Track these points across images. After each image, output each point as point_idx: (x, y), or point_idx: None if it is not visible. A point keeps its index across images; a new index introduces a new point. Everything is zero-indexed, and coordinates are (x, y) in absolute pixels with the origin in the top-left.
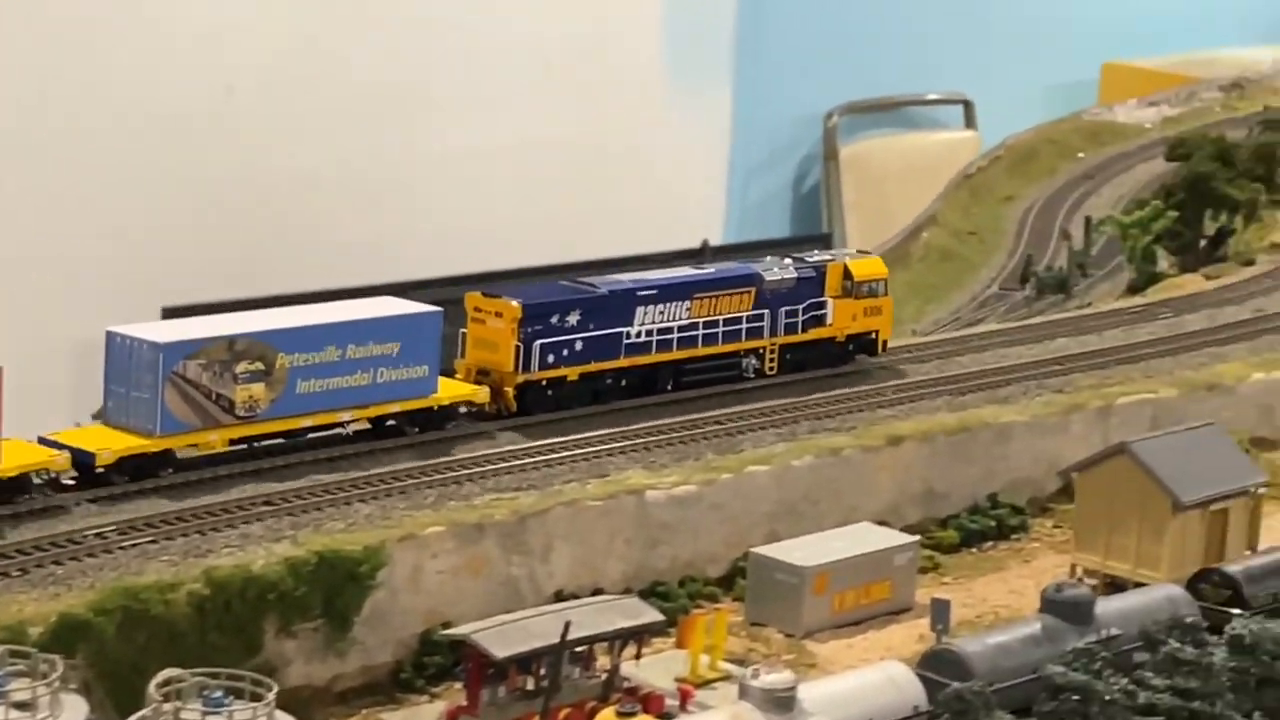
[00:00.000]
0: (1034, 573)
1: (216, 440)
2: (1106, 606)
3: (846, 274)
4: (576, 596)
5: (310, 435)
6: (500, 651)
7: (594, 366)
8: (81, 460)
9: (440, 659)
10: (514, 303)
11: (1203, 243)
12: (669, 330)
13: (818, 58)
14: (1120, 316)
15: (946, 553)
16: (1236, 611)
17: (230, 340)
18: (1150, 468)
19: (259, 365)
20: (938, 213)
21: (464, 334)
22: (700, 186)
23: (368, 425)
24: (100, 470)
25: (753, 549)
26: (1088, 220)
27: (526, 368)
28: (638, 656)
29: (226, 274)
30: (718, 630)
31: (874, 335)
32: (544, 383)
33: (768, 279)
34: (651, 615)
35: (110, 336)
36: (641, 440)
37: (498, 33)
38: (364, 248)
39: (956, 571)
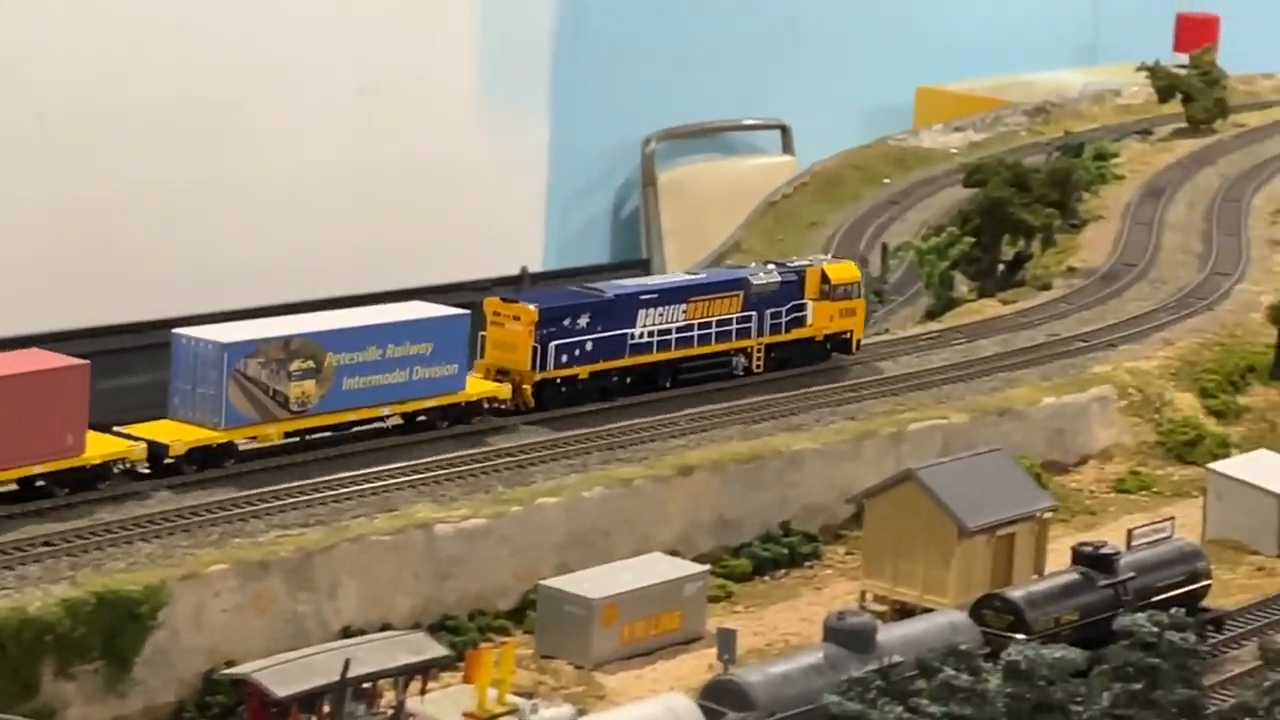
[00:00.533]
0: (825, 600)
1: (274, 433)
2: (889, 634)
3: (824, 278)
4: (365, 632)
5: (354, 429)
6: (281, 690)
7: (602, 365)
8: (155, 451)
9: (224, 698)
10: (531, 307)
11: (1000, 268)
12: (668, 331)
13: (635, 84)
14: (915, 342)
15: (739, 581)
16: (1019, 637)
17: (286, 340)
18: (936, 494)
19: (310, 363)
20: (741, 240)
21: (483, 336)
22: (518, 214)
23: (400, 420)
24: (171, 461)
25: (542, 581)
26: (884, 247)
27: (543, 366)
28: (423, 692)
29: (43, 301)
30: (505, 664)
31: (849, 335)
32: (558, 381)
33: (754, 283)
34: (437, 650)
35: (176, 338)
36: (431, 474)
37: (312, 60)
38: (180, 275)
39: (748, 600)
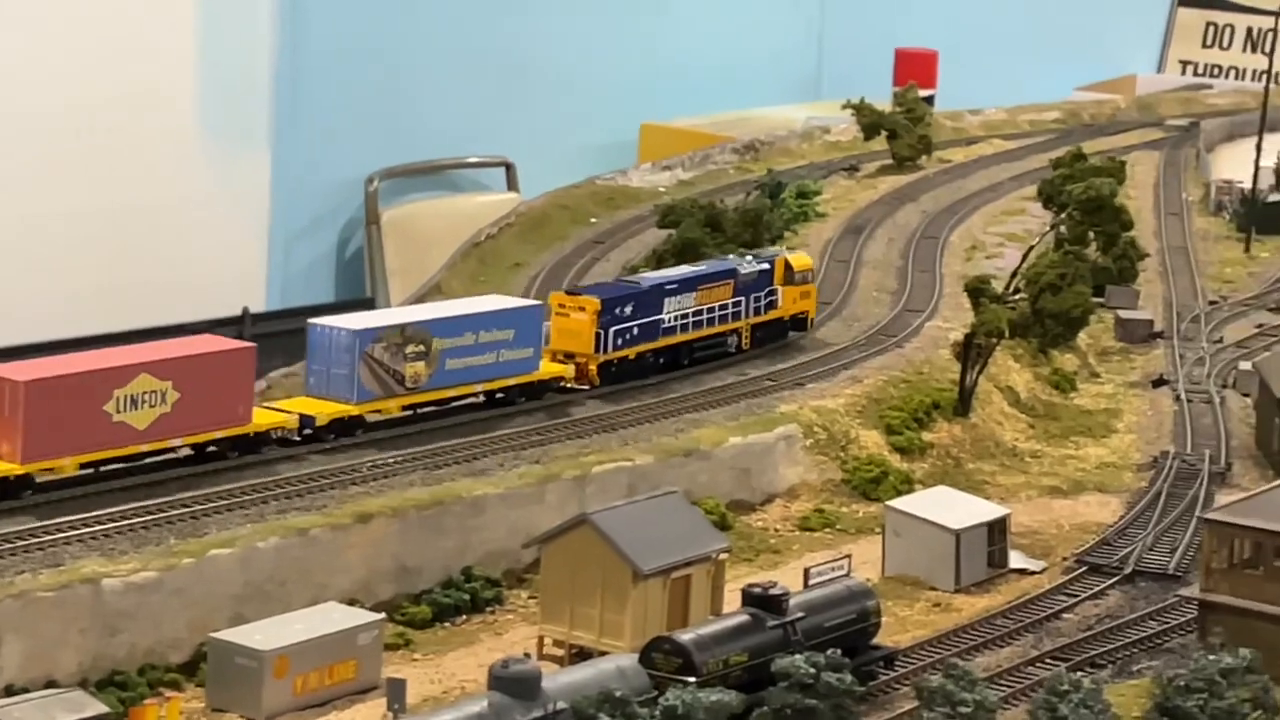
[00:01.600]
0: (506, 645)
1: (393, 406)
2: (555, 681)
3: (788, 267)
4: (27, 690)
5: (453, 404)
6: None
7: (644, 347)
8: (304, 422)
9: None
10: (595, 298)
11: None
12: (686, 316)
13: (358, 122)
14: (603, 386)
15: (419, 628)
16: (689, 680)
17: (402, 327)
18: (610, 537)
19: (421, 347)
20: (441, 282)
21: (548, 326)
22: (240, 253)
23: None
24: (308, 432)
25: (212, 634)
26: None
27: (604, 350)
28: None
29: None
30: (170, 718)
31: (805, 315)
32: (614, 362)
33: (742, 272)
34: (97, 708)
35: (311, 327)
36: (101, 527)
37: (28, 99)
38: None
39: (428, 647)
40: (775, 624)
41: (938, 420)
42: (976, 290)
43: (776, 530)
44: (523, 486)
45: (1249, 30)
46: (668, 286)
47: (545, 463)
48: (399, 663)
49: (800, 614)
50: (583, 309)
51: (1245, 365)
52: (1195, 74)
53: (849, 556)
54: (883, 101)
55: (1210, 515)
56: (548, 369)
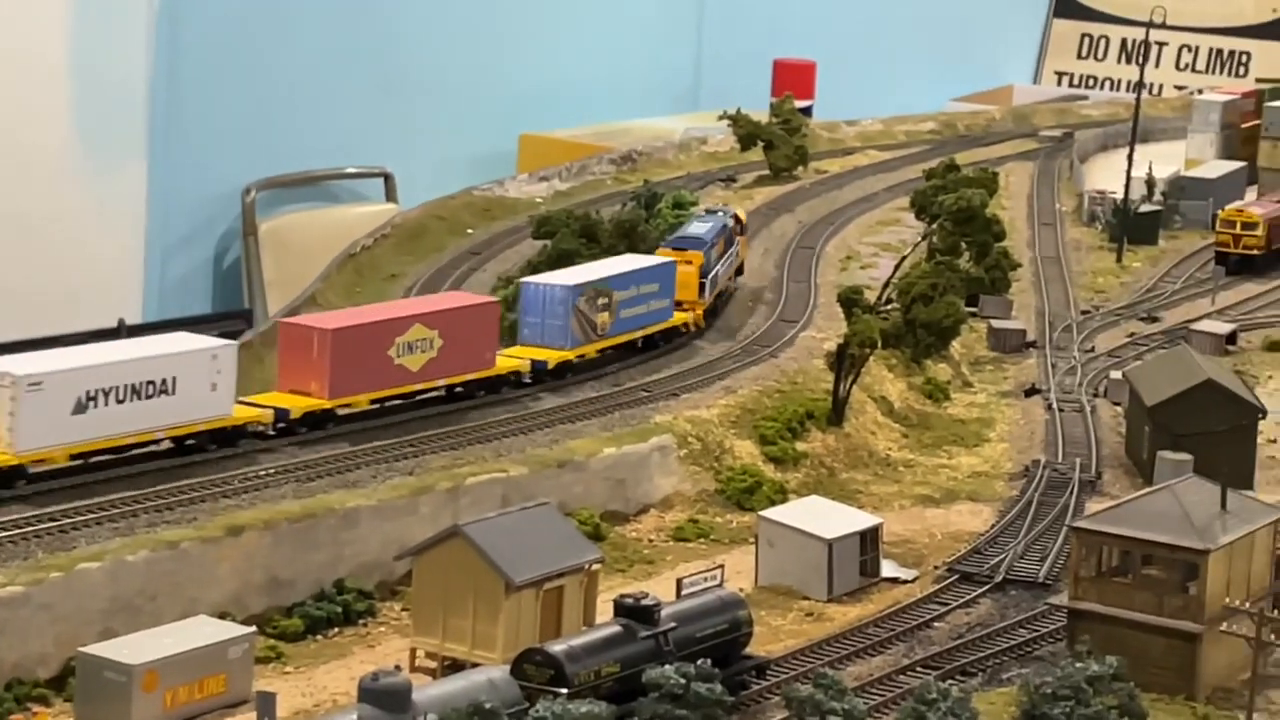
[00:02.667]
0: (378, 658)
1: (591, 350)
2: (425, 694)
3: (737, 219)
4: None
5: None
6: None
7: (716, 292)
8: (537, 367)
9: None
10: (699, 253)
11: None
12: (719, 264)
13: (235, 133)
14: (476, 398)
15: (291, 641)
16: (561, 691)
17: (596, 283)
18: (482, 549)
19: (606, 299)
20: (317, 293)
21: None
22: (115, 265)
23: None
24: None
25: (81, 648)
26: None
27: (704, 296)
28: None
29: None
30: None
31: (743, 261)
32: (712, 308)
33: (729, 226)
34: None
35: (525, 285)
36: None
37: None
38: None
39: (299, 660)
40: (647, 634)
41: (811, 430)
42: (849, 300)
43: (650, 541)
44: (396, 498)
45: (1124, 41)
46: (709, 239)
47: (419, 474)
48: (270, 676)
49: (672, 624)
50: (690, 262)
51: (1116, 374)
52: (1071, 85)
53: (722, 567)
54: (761, 112)
55: (1079, 524)
56: (679, 317)
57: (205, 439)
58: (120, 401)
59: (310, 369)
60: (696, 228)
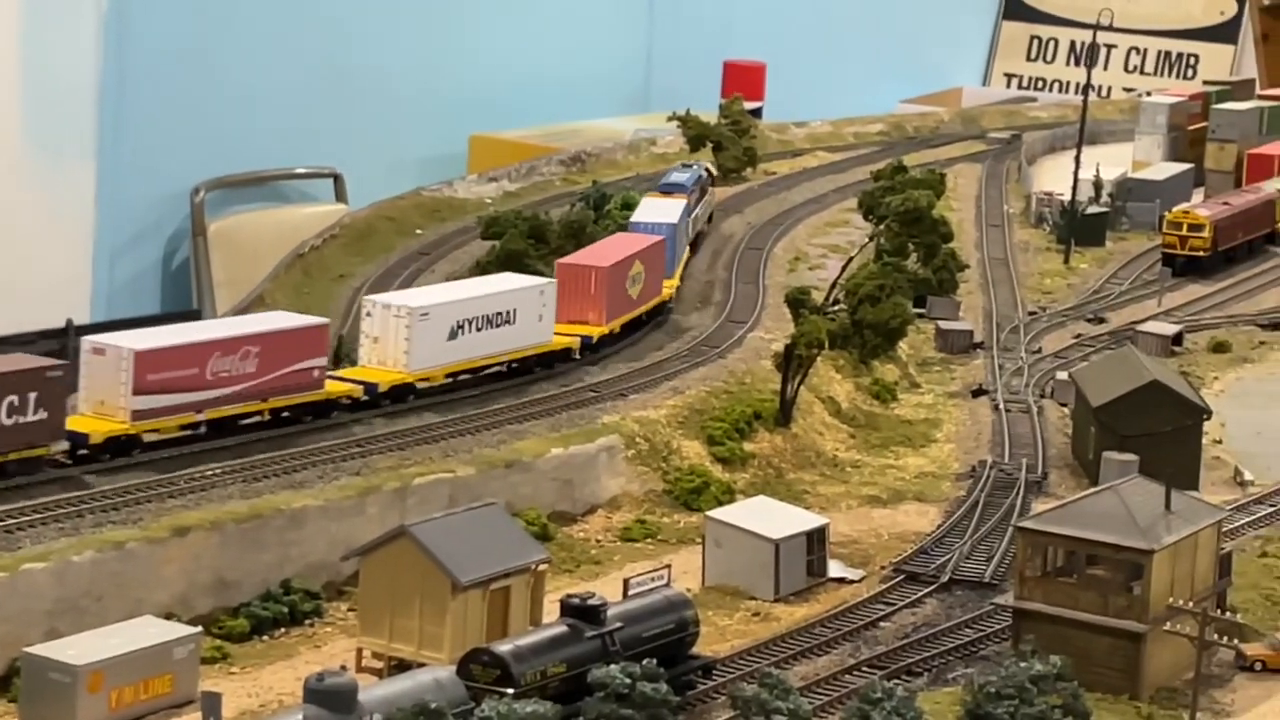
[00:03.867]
0: (324, 658)
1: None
2: (371, 694)
3: (709, 173)
4: None
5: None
6: None
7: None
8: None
9: None
10: (684, 195)
11: None
12: (697, 207)
13: (184, 133)
14: (427, 397)
15: (237, 642)
16: (507, 691)
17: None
18: (429, 549)
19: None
20: (266, 293)
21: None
22: (64, 266)
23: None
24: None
25: (26, 649)
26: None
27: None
28: None
29: None
30: None
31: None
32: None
33: (704, 178)
34: None
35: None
36: None
37: None
38: None
39: (246, 661)
40: (594, 634)
41: (759, 430)
42: (796, 301)
43: (598, 541)
44: (343, 499)
45: (1073, 43)
46: (690, 186)
47: (366, 474)
48: (216, 676)
49: (619, 624)
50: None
51: (1062, 375)
52: (1020, 87)
53: (669, 567)
54: (710, 114)
55: (1024, 524)
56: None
57: (533, 362)
58: (479, 330)
59: (588, 302)
60: (679, 176)
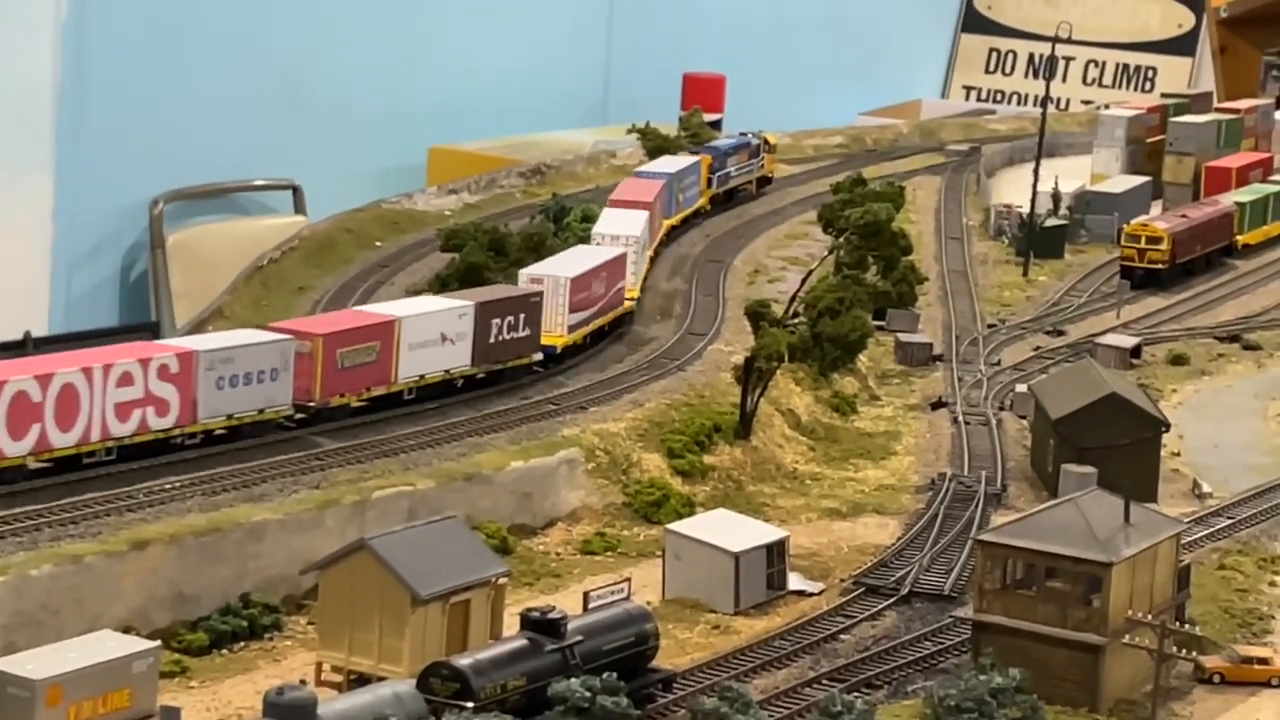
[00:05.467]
0: (283, 672)
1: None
2: (331, 708)
3: (766, 141)
4: None
5: None
6: None
7: (724, 187)
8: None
9: None
10: (710, 157)
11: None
12: (731, 166)
13: (143, 144)
14: (385, 410)
15: (196, 656)
16: (467, 705)
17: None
18: (389, 563)
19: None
20: (225, 305)
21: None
22: (21, 277)
23: None
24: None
25: None
26: None
27: (711, 187)
28: None
29: None
30: None
31: (771, 174)
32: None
33: (753, 144)
34: None
35: None
36: None
37: None
38: None
39: (204, 674)
40: (553, 648)
41: (719, 443)
42: (756, 314)
43: (558, 554)
44: (302, 512)
45: (1031, 56)
46: (729, 149)
47: (325, 488)
48: (175, 691)
49: (579, 638)
50: (703, 161)
51: (1022, 388)
52: (979, 99)
53: (629, 580)
54: (670, 126)
55: (984, 536)
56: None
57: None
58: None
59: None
60: (719, 143)
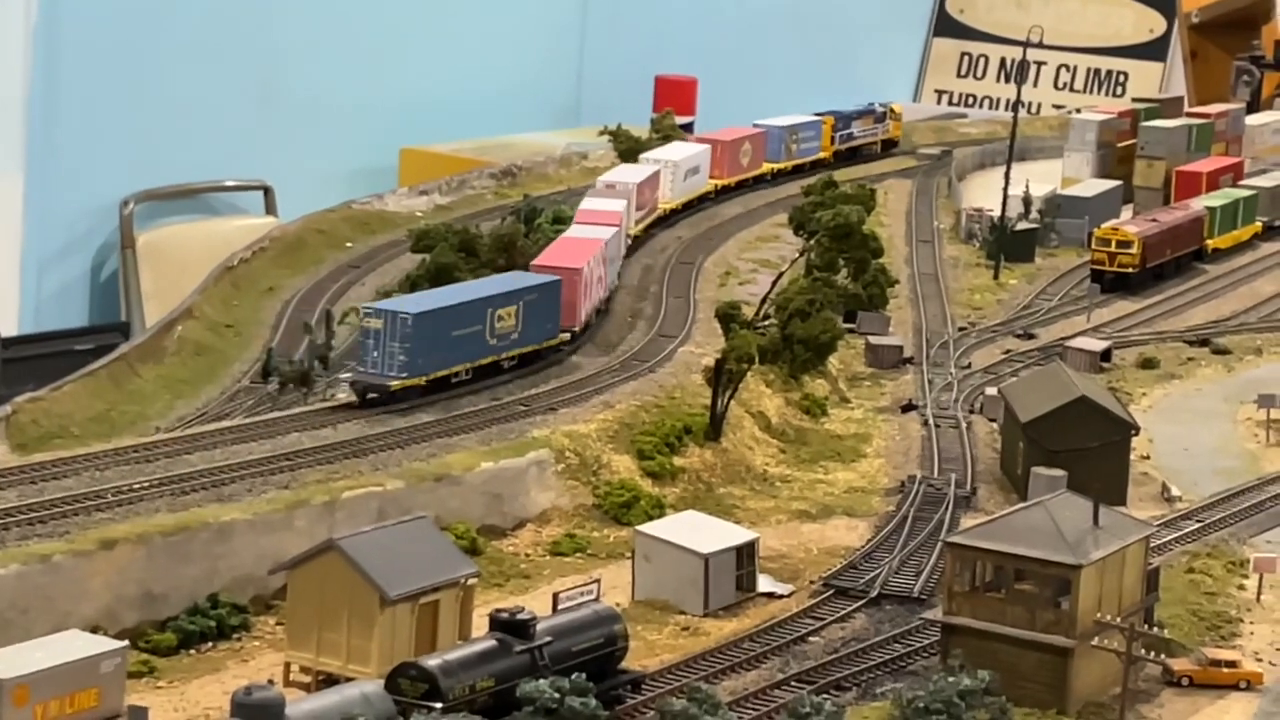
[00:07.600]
0: (251, 672)
1: None
2: (299, 708)
3: (891, 110)
4: None
5: None
6: None
7: (852, 145)
8: None
9: None
10: (832, 118)
11: None
12: (853, 127)
13: (113, 145)
14: (354, 411)
15: (164, 656)
16: (435, 706)
17: None
18: (357, 563)
19: None
20: (194, 305)
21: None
22: None
23: None
24: None
25: None
26: (328, 313)
27: (834, 144)
28: None
29: None
30: None
31: (897, 139)
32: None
33: (879, 111)
34: None
35: None
36: None
37: None
38: None
39: (172, 675)
40: (522, 649)
41: (689, 445)
42: (727, 316)
43: (528, 555)
44: (271, 512)
45: (1003, 60)
46: (854, 114)
47: (294, 488)
48: (143, 690)
49: (548, 639)
50: (825, 122)
51: (991, 391)
52: (951, 103)
53: (598, 581)
54: (642, 128)
55: (953, 539)
56: None
57: None
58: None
59: None
60: (844, 108)
